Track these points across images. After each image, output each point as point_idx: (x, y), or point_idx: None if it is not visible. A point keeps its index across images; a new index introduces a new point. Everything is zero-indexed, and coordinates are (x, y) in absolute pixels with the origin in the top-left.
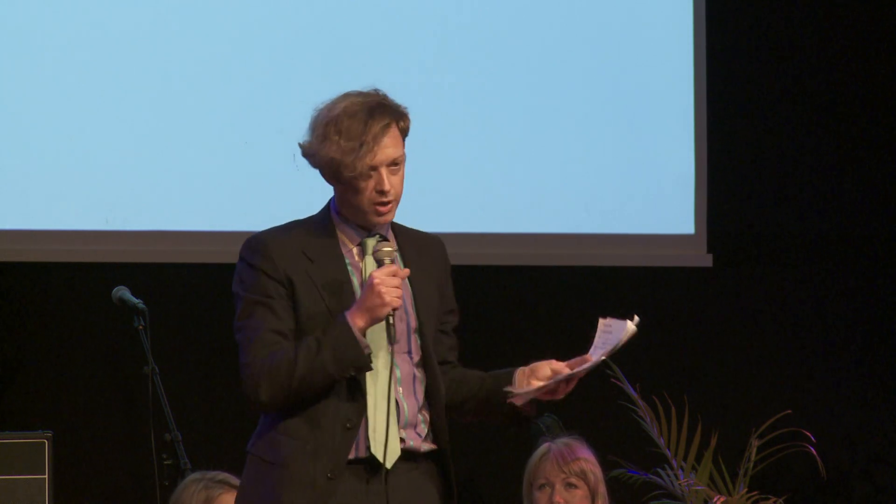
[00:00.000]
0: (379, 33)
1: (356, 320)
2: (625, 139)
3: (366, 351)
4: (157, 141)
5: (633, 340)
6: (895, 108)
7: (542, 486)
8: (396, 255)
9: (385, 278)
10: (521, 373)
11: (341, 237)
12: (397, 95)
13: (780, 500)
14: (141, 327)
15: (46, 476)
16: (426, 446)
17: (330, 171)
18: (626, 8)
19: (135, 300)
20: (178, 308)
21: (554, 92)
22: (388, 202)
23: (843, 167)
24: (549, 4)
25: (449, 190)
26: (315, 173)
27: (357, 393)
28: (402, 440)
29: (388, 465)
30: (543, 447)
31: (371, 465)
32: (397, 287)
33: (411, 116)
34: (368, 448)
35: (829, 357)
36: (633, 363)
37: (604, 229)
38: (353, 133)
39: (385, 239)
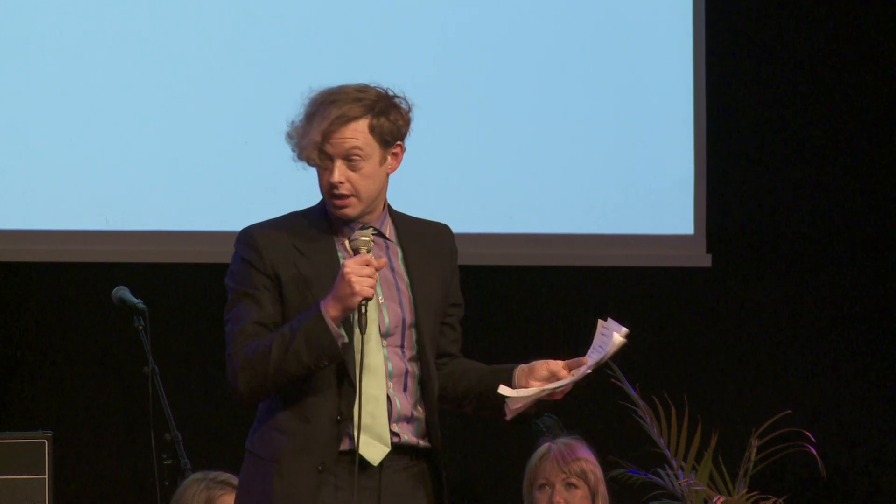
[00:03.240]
0: (380, 33)
1: (329, 310)
2: (625, 140)
3: (339, 341)
4: (157, 141)
5: (633, 340)
6: (894, 107)
7: (542, 486)
8: (373, 244)
9: (356, 267)
10: (520, 371)
11: (335, 229)
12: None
13: (780, 500)
14: (141, 327)
15: (46, 476)
16: (422, 443)
17: (295, 152)
18: (626, 8)
19: (135, 300)
20: (178, 308)
21: (554, 92)
22: (342, 195)
23: (842, 167)
24: (549, 5)
25: (449, 190)
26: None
27: (347, 387)
28: (395, 434)
29: (375, 461)
30: (544, 447)
31: (362, 458)
32: (370, 276)
33: (411, 116)
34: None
35: (828, 357)
36: (633, 363)
37: (604, 229)
38: (312, 118)
39: (375, 228)
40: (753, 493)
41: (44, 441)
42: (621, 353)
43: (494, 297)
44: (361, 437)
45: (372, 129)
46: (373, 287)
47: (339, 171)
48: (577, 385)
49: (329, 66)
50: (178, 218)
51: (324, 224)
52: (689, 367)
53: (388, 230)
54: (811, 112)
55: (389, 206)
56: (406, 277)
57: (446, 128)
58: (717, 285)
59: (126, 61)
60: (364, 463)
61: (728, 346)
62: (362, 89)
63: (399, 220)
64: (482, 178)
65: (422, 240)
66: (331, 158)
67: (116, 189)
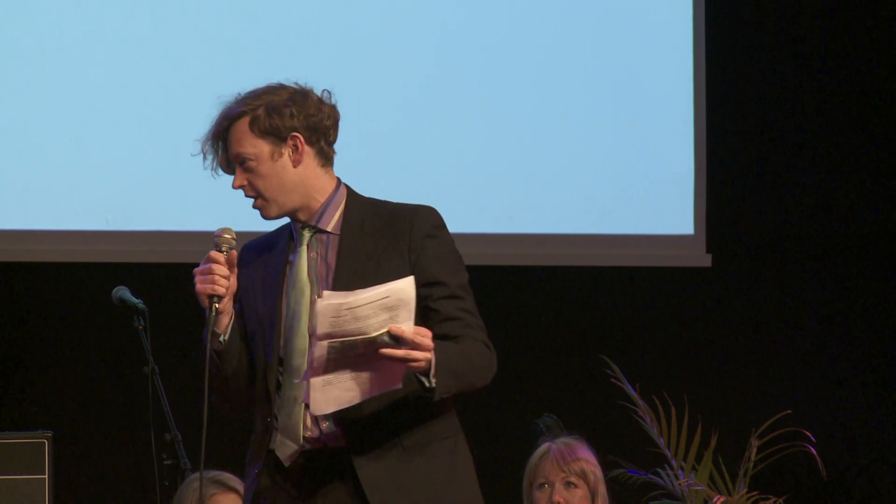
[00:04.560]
0: (380, 33)
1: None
2: (625, 139)
3: (217, 338)
4: (157, 141)
5: (634, 340)
6: (895, 107)
7: (541, 486)
8: (234, 242)
9: (199, 268)
10: None
11: (293, 234)
12: (397, 95)
13: (780, 500)
14: (141, 327)
15: (46, 476)
16: (352, 441)
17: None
18: (626, 8)
19: (135, 300)
20: (178, 308)
21: (554, 92)
22: (251, 198)
23: (842, 167)
24: (549, 5)
25: (449, 190)
26: None
27: (275, 388)
28: (319, 432)
29: (285, 457)
30: (543, 447)
31: (277, 457)
32: (211, 273)
33: (408, 116)
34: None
35: (829, 357)
36: (633, 363)
37: (603, 229)
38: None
39: (311, 227)
40: (753, 493)
41: (44, 441)
42: (621, 354)
43: (494, 297)
44: (277, 437)
45: (252, 127)
46: (217, 283)
47: (238, 177)
48: (577, 385)
49: (329, 66)
50: (178, 218)
51: (287, 230)
52: (689, 367)
53: (333, 224)
54: (811, 112)
55: (349, 197)
56: (331, 269)
57: (446, 128)
58: (717, 285)
59: (126, 61)
60: (278, 462)
61: (728, 346)
62: (257, 90)
63: (356, 209)
64: (482, 178)
65: (371, 226)
66: (231, 163)
67: (116, 189)
